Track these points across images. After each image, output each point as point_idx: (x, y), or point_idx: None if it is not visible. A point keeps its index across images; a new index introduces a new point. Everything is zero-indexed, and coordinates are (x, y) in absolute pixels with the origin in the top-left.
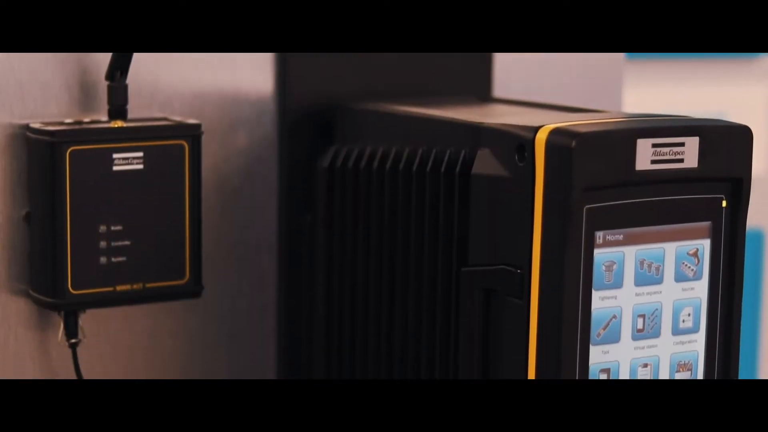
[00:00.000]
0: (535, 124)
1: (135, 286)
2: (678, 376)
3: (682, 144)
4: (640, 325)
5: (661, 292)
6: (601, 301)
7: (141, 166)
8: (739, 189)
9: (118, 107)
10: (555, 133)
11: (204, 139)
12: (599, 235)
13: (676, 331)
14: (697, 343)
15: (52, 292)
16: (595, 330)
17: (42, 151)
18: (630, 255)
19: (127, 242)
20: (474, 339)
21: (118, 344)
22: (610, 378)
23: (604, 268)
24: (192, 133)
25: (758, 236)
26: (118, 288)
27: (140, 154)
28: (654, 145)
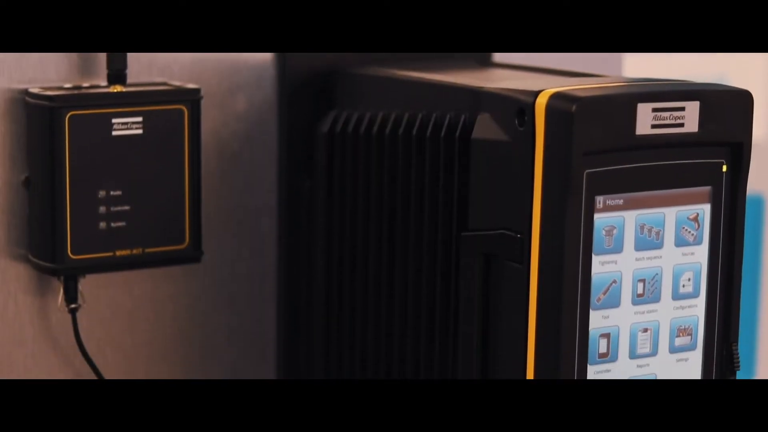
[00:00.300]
0: (536, 88)
1: (135, 251)
2: (678, 341)
3: (682, 108)
4: (640, 290)
5: (661, 256)
6: (601, 266)
7: (140, 131)
8: (740, 153)
9: (117, 72)
10: (555, 97)
11: (203, 103)
12: (599, 200)
13: (676, 296)
14: (697, 308)
15: (52, 257)
16: (595, 295)
17: (41, 115)
18: (630, 220)
19: (126, 207)
20: (474, 304)
21: (118, 309)
22: (610, 343)
23: (604, 232)
24: (191, 98)
25: (758, 201)
26: (118, 253)
27: (139, 118)
28: (654, 110)
